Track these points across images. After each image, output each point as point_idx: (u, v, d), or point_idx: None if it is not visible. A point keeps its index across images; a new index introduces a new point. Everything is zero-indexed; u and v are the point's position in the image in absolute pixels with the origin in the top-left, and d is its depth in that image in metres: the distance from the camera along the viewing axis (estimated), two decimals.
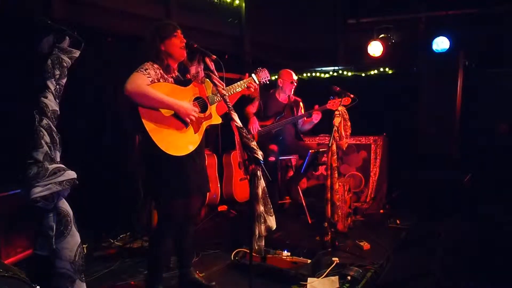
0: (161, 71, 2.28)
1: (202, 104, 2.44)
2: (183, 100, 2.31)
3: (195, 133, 2.36)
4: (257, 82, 2.66)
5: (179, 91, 2.32)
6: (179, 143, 2.26)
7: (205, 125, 2.43)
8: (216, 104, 2.50)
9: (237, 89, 2.57)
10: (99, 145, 3.63)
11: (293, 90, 4.29)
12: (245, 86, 2.61)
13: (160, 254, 2.42)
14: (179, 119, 2.28)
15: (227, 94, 2.23)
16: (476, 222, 4.03)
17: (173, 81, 2.34)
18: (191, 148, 2.32)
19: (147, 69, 2.20)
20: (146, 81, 2.16)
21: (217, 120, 2.50)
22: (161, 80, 2.25)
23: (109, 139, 3.67)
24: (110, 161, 3.65)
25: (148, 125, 2.15)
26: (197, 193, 2.49)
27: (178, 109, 2.24)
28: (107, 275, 2.84)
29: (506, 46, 4.94)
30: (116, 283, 2.72)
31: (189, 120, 2.28)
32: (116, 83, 3.64)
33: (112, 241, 3.44)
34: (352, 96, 3.73)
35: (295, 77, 4.27)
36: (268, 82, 2.75)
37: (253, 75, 2.67)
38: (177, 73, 2.43)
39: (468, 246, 3.46)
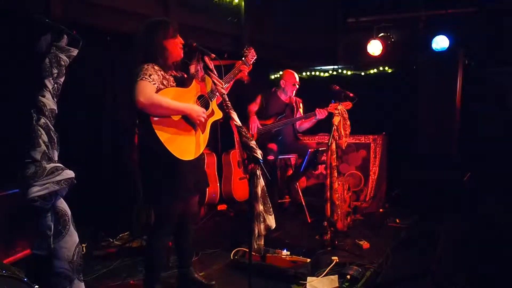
0: (162, 72, 2.26)
1: (205, 102, 2.45)
2: (188, 101, 2.32)
3: (202, 133, 2.40)
4: (248, 64, 2.70)
5: (183, 93, 2.33)
6: (192, 146, 2.30)
7: (209, 122, 2.46)
8: (215, 98, 2.52)
9: (231, 77, 2.60)
10: (98, 144, 3.63)
11: (295, 91, 4.29)
12: (239, 71, 2.65)
13: (157, 255, 2.41)
14: (188, 122, 2.29)
15: (226, 93, 2.24)
16: (476, 222, 4.03)
17: (173, 81, 2.33)
18: (202, 148, 2.37)
19: (151, 75, 2.15)
20: (153, 89, 2.14)
21: (218, 115, 2.54)
22: (164, 82, 2.24)
23: (109, 138, 3.67)
24: (109, 160, 3.64)
25: (162, 136, 2.15)
26: (195, 192, 2.50)
27: (190, 113, 2.25)
28: (107, 274, 2.84)
29: (506, 45, 4.93)
30: (116, 282, 2.72)
31: (198, 122, 2.30)
32: (115, 82, 3.65)
33: (111, 240, 3.44)
34: (351, 95, 3.73)
35: (297, 79, 4.26)
36: (255, 60, 2.78)
37: (243, 59, 2.71)
38: (173, 71, 2.41)
39: (467, 245, 3.45)
